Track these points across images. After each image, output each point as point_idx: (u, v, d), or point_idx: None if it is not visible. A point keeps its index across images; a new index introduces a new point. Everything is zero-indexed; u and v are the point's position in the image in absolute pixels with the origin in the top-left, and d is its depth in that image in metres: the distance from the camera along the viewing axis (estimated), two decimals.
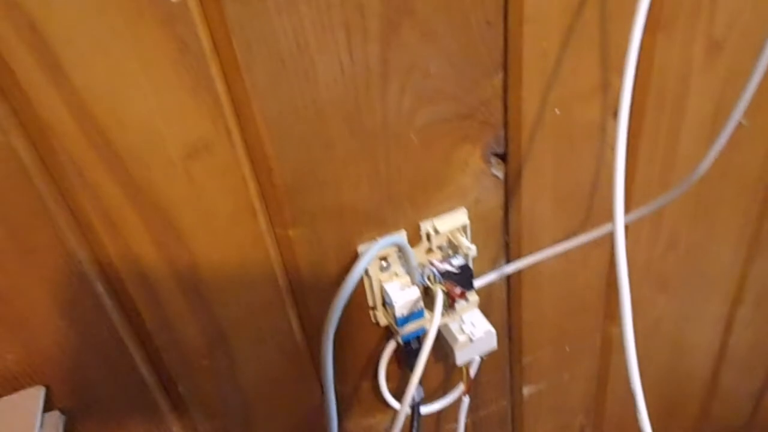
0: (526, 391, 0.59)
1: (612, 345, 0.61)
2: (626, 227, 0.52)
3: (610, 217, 0.47)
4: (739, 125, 0.50)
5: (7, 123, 0.28)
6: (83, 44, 0.28)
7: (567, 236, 0.48)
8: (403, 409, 0.42)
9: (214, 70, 0.31)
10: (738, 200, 0.57)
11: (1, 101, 0.28)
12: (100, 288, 0.35)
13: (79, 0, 0.27)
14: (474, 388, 0.55)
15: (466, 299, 0.41)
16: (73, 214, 0.32)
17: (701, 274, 0.62)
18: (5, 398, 0.35)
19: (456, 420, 0.52)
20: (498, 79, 0.38)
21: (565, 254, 0.49)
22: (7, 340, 0.34)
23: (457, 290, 0.40)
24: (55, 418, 0.35)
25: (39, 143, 0.29)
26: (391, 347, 0.46)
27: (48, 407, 0.35)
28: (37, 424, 0.33)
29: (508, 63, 0.37)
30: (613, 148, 0.42)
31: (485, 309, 0.47)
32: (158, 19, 0.28)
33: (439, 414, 0.55)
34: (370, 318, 0.44)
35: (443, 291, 0.40)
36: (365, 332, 0.45)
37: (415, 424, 0.46)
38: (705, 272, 0.62)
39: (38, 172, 0.30)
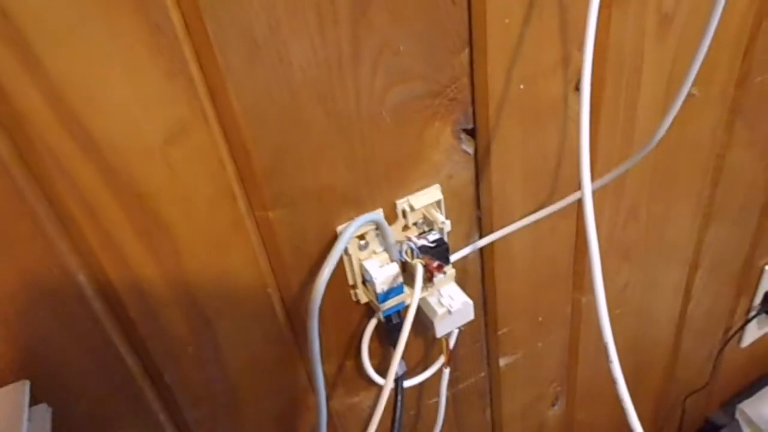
0: (503, 362, 0.61)
1: (582, 313, 0.64)
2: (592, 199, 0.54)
3: (575, 188, 0.50)
4: (691, 96, 0.53)
5: None
6: (56, 30, 0.28)
7: (536, 209, 0.50)
8: (388, 383, 0.43)
9: (188, 53, 0.31)
10: (692, 169, 0.60)
11: None
12: (81, 278, 0.35)
13: None
14: (453, 361, 0.57)
15: (444, 272, 0.43)
16: (52, 204, 0.32)
17: (661, 243, 0.65)
18: None
19: (437, 394, 0.54)
20: (464, 56, 0.39)
21: (535, 226, 0.51)
22: None
23: (435, 263, 0.42)
24: (43, 411, 0.35)
25: (14, 132, 0.29)
26: (372, 324, 0.47)
27: (35, 401, 0.35)
28: (25, 417, 0.33)
29: (473, 40, 0.39)
30: (576, 122, 0.44)
31: (461, 283, 0.49)
32: (131, 3, 0.28)
33: (420, 389, 0.56)
34: (350, 297, 0.45)
35: (422, 264, 0.41)
36: (347, 311, 0.46)
37: (399, 398, 0.48)
38: (665, 240, 0.65)
39: (15, 163, 0.30)
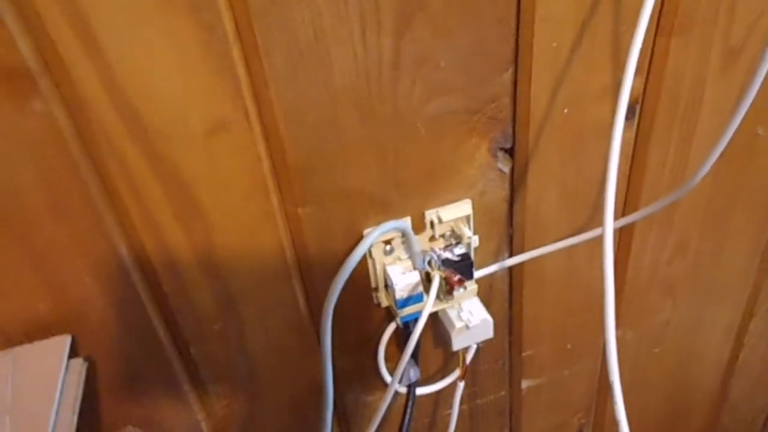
0: (525, 384, 0.60)
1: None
2: (633, 230, 0.53)
3: (618, 216, 0.48)
4: (756, 135, 0.50)
5: (50, 95, 0.31)
6: (119, 25, 0.30)
7: (572, 233, 0.49)
8: (393, 383, 0.44)
9: (236, 54, 0.33)
10: (753, 210, 0.57)
11: (45, 75, 0.31)
12: (123, 250, 0.38)
13: None
14: (473, 376, 0.57)
15: (464, 287, 0.43)
16: (102, 181, 0.35)
17: (711, 282, 0.62)
18: (36, 343, 0.38)
19: (451, 407, 0.54)
20: (508, 76, 0.39)
21: (569, 251, 0.50)
22: (40, 291, 0.37)
23: (456, 277, 0.42)
24: (79, 364, 0.38)
25: (75, 113, 0.32)
26: (391, 328, 0.48)
27: (73, 354, 0.39)
28: (63, 367, 0.37)
29: (518, 60, 0.39)
30: (623, 150, 0.43)
31: (486, 300, 0.49)
32: (187, 5, 0.31)
33: (437, 399, 0.57)
34: (372, 299, 0.46)
35: (441, 276, 0.42)
36: (367, 312, 0.47)
37: (410, 403, 0.49)
38: (715, 280, 0.62)
39: (74, 140, 0.33)
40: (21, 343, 0.38)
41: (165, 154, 0.35)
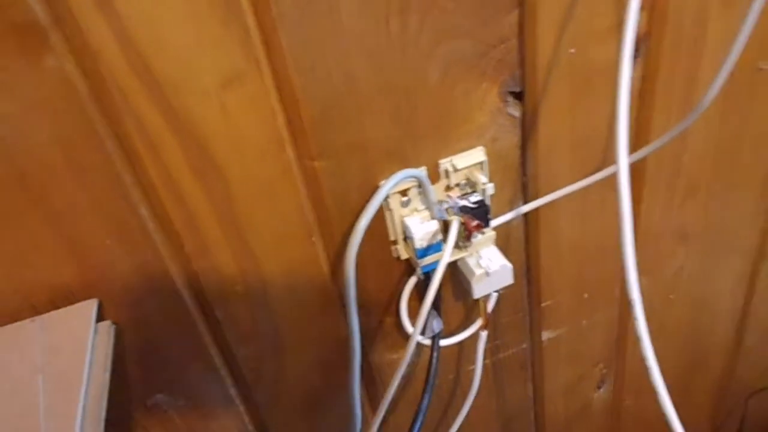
0: (546, 335, 0.61)
1: None
2: (644, 172, 0.53)
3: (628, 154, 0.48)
4: (759, 70, 0.50)
5: (62, 49, 0.31)
6: None
7: (585, 177, 0.49)
8: (415, 332, 0.44)
9: (245, 2, 0.33)
10: (759, 147, 0.57)
11: (56, 29, 0.31)
12: (143, 211, 0.38)
13: None
14: (494, 329, 0.57)
15: (482, 232, 0.43)
16: (119, 138, 0.35)
17: (722, 226, 0.62)
18: (64, 309, 0.39)
19: (475, 361, 0.55)
20: (514, 17, 0.39)
21: (583, 198, 0.51)
22: (64, 256, 0.38)
23: (474, 223, 0.42)
24: (107, 327, 0.39)
25: (89, 69, 0.33)
26: (412, 282, 0.48)
27: (100, 318, 0.39)
28: (91, 331, 0.37)
29: (524, 1, 0.39)
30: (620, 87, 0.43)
31: (503, 248, 0.49)
32: None
33: (459, 354, 0.57)
34: (391, 253, 0.47)
35: (460, 221, 0.42)
36: (387, 267, 0.48)
37: (435, 354, 0.49)
38: (725, 223, 0.62)
39: (88, 96, 0.33)
40: (47, 310, 0.39)
41: (180, 109, 0.35)
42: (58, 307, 0.39)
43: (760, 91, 0.52)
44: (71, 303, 0.39)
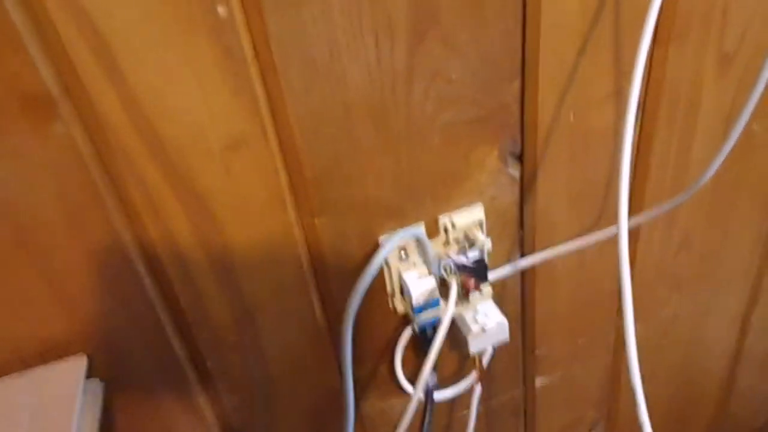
0: (539, 381, 0.61)
1: (624, 341, 0.63)
2: (639, 227, 0.54)
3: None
4: (752, 132, 0.51)
5: (69, 115, 0.32)
6: (139, 47, 0.31)
7: (581, 233, 0.50)
8: (416, 393, 0.45)
9: (254, 73, 0.34)
10: (753, 203, 0.58)
11: (65, 96, 0.31)
12: (140, 267, 0.38)
13: (138, 9, 0.30)
14: (487, 376, 0.58)
15: (480, 290, 0.44)
16: (120, 198, 0.35)
17: (716, 275, 0.63)
18: (52, 364, 0.38)
19: (468, 407, 0.55)
20: (516, 85, 0.40)
21: (579, 250, 0.51)
22: (57, 311, 0.38)
23: (471, 282, 0.43)
24: (96, 385, 0.39)
25: (95, 134, 0.33)
26: (407, 334, 0.49)
27: (89, 375, 0.39)
28: (80, 390, 0.37)
29: (525, 70, 0.40)
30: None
31: (500, 300, 0.50)
32: (207, 27, 0.31)
33: (452, 401, 0.57)
34: (388, 305, 0.47)
35: (458, 282, 0.42)
36: (383, 318, 0.48)
37: (428, 408, 0.49)
38: (719, 273, 0.63)
39: (93, 159, 0.34)
40: (36, 364, 0.39)
41: (183, 170, 0.36)
42: (47, 361, 0.39)
43: (754, 150, 0.53)
44: (61, 356, 0.39)
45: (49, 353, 0.39)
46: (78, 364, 0.39)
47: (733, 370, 0.80)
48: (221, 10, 0.31)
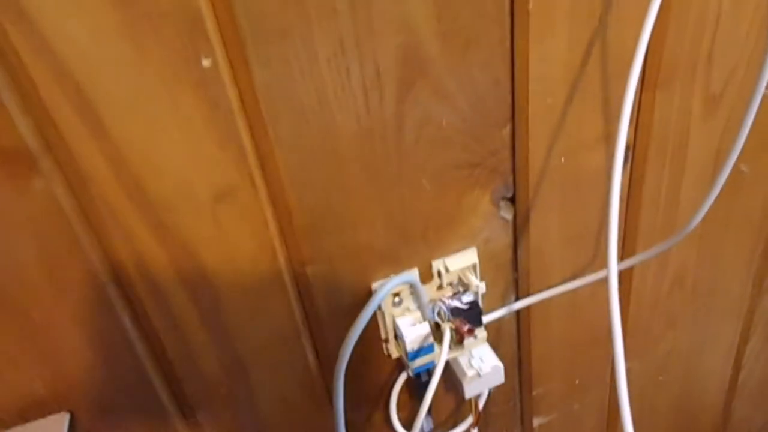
0: (537, 422, 0.60)
1: None
2: (632, 267, 0.53)
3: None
4: (740, 172, 0.51)
5: (51, 173, 0.31)
6: (123, 103, 0.30)
7: (575, 273, 0.49)
8: None
9: (241, 125, 0.33)
10: (743, 240, 0.58)
11: (46, 154, 0.31)
12: (126, 322, 0.37)
13: (122, 65, 0.29)
14: (485, 417, 0.56)
15: (474, 336, 0.43)
16: (105, 254, 0.35)
17: (709, 311, 0.63)
18: (33, 423, 0.37)
19: None
20: (506, 132, 0.40)
21: (574, 291, 0.51)
22: (38, 368, 0.36)
23: (465, 327, 0.42)
24: None
25: (78, 190, 0.32)
26: (402, 378, 0.48)
27: (72, 431, 0.38)
28: None
29: (515, 117, 0.40)
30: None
31: (495, 342, 0.49)
32: (192, 80, 0.31)
33: None
34: (382, 350, 0.46)
35: (451, 328, 0.42)
36: (378, 363, 0.47)
37: None
38: (712, 308, 0.63)
39: (76, 216, 0.33)
40: (16, 424, 0.37)
41: (171, 224, 0.35)
42: (27, 420, 0.38)
43: (741, 190, 0.53)
44: (43, 414, 0.38)
45: (31, 411, 0.38)
46: (60, 422, 0.37)
47: (728, 403, 0.79)
48: (206, 62, 0.31)
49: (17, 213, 0.32)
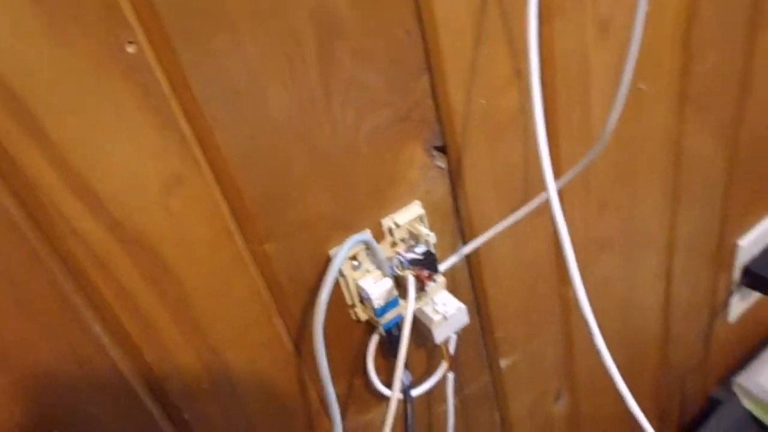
0: (503, 363, 0.63)
1: (569, 307, 0.67)
2: (560, 195, 0.58)
3: (544, 188, 0.53)
4: (639, 90, 0.57)
5: None
6: (60, 104, 0.31)
7: (512, 212, 0.53)
8: (394, 393, 0.45)
9: (176, 109, 0.34)
10: (653, 158, 0.65)
11: None
12: (97, 328, 0.37)
13: (54, 67, 0.30)
14: (456, 368, 0.59)
15: (434, 280, 0.46)
16: (64, 261, 0.34)
17: (635, 231, 0.69)
18: None
19: (445, 401, 0.56)
20: (425, 81, 0.43)
21: (514, 229, 0.55)
22: (13, 394, 0.35)
23: (425, 273, 0.44)
24: None
25: (26, 199, 0.32)
26: (375, 340, 0.49)
27: None
28: None
29: (431, 65, 0.43)
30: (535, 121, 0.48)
31: (452, 290, 0.52)
32: (120, 68, 0.32)
33: (429, 398, 0.58)
34: (351, 317, 0.48)
35: (413, 275, 0.44)
36: (349, 331, 0.49)
37: (409, 407, 0.50)
38: (637, 229, 0.69)
39: (29, 226, 0.32)
40: None
41: (124, 220, 0.35)
42: None
43: (643, 109, 0.59)
44: None
45: None
46: None
47: (666, 319, 0.86)
48: (130, 48, 0.32)
49: None
